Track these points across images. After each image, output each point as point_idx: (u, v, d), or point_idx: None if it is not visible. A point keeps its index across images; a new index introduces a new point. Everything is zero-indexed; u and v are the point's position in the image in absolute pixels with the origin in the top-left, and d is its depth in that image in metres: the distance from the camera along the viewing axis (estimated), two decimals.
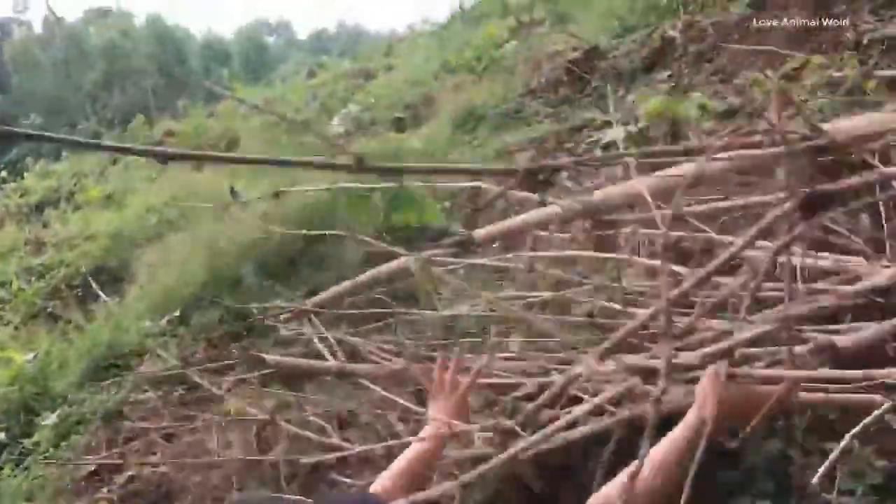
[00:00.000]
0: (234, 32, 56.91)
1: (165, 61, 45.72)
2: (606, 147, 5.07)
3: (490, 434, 2.04)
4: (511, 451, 1.35)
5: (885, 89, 4.56)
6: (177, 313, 5.82)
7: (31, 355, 5.91)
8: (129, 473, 4.28)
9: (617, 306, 2.64)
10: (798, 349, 1.62)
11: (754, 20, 6.50)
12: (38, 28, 50.70)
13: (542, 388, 2.21)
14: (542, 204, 2.98)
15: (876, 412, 1.74)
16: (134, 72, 43.64)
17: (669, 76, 6.56)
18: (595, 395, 1.82)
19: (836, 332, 1.95)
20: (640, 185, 2.53)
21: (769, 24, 6.33)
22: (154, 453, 4.44)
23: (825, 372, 1.73)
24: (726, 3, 7.13)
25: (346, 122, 9.42)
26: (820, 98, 4.69)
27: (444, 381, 1.92)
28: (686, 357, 1.65)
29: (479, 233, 3.10)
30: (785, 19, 6.16)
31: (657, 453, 1.52)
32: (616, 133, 4.91)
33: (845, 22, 5.88)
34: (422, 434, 1.84)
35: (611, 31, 7.90)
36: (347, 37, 60.68)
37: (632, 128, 4.84)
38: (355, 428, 3.47)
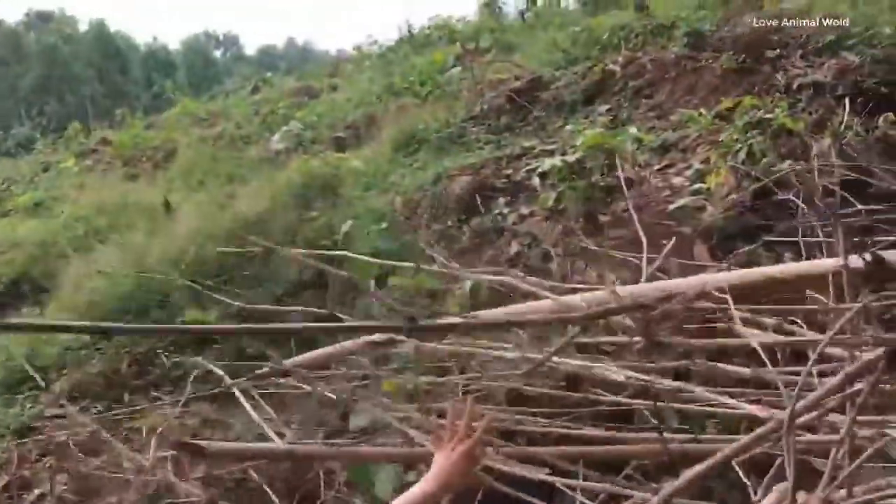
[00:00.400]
0: (180, 43, 56.15)
1: (106, 69, 44.75)
2: (544, 175, 5.13)
3: None
4: None
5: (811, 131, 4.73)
6: None
7: None
8: (40, 491, 4.11)
9: None
10: None
11: (692, 59, 6.69)
12: None
13: None
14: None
15: None
16: (73, 78, 42.62)
17: (608, 110, 6.69)
18: None
19: None
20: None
21: (705, 63, 6.52)
22: (68, 471, 4.27)
23: None
24: (665, 42, 7.32)
25: (286, 139, 9.32)
26: (748, 138, 4.84)
27: (456, 431, 1.86)
28: None
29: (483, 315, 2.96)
30: (720, 60, 6.36)
31: None
32: (553, 163, 4.98)
33: (777, 65, 6.12)
34: None
35: (554, 63, 8.02)
36: (295, 54, 60.35)
37: (568, 157, 4.91)
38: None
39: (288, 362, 3.32)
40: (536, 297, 4.09)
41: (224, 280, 5.97)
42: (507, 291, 4.47)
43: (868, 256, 1.99)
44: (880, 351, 1.61)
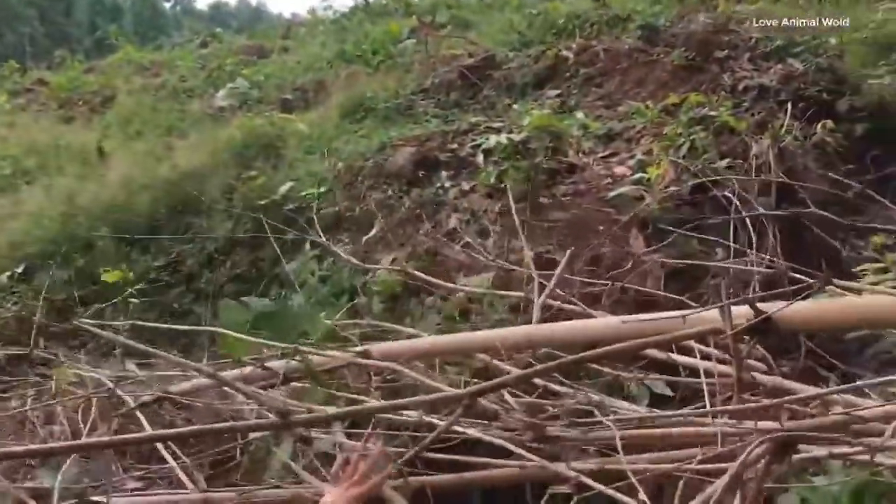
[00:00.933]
0: None
1: (49, 8, 43.11)
2: (488, 152, 5.12)
3: None
4: None
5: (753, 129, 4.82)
6: (19, 269, 5.45)
7: None
8: None
9: None
10: None
11: (644, 52, 6.74)
12: None
13: None
14: None
15: None
16: (13, 15, 40.94)
17: (558, 95, 6.70)
18: None
19: None
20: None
21: (657, 57, 6.58)
22: None
23: None
24: (620, 33, 7.36)
25: (232, 96, 9.10)
26: (692, 133, 4.90)
27: (356, 471, 1.85)
28: None
29: (378, 347, 2.94)
30: (672, 55, 6.42)
31: None
32: (498, 140, 4.96)
33: (725, 66, 6.21)
34: None
35: (508, 44, 8.00)
36: (248, 13, 59.10)
37: (514, 136, 4.90)
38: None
39: (175, 389, 3.12)
40: (472, 269, 4.13)
41: (154, 232, 5.83)
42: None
43: (753, 311, 1.92)
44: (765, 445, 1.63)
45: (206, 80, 10.86)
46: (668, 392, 2.91)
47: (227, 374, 2.89)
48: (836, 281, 2.03)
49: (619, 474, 1.81)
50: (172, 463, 2.87)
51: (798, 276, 2.74)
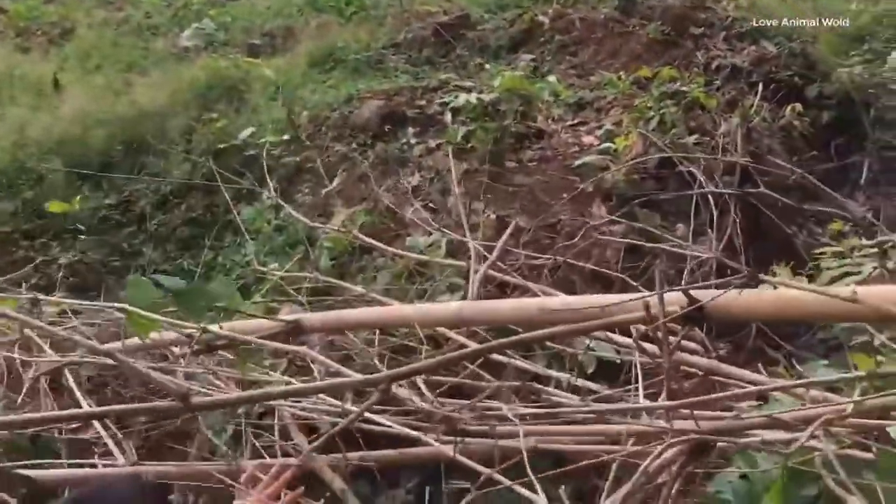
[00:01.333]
0: None
1: None
2: (456, 111, 5.04)
3: None
4: None
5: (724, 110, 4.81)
6: None
7: None
8: None
9: None
10: None
11: (620, 23, 6.67)
12: None
13: None
14: None
15: None
16: None
17: (532, 60, 6.61)
18: None
19: None
20: None
21: (633, 29, 6.52)
22: None
23: None
24: (597, 2, 7.27)
25: (197, 37, 8.81)
26: (662, 107, 4.87)
27: (266, 489, 1.79)
28: None
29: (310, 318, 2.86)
30: (647, 28, 6.36)
31: None
32: (468, 99, 4.88)
33: (700, 43, 6.18)
34: None
35: (484, 5, 7.86)
36: None
37: (484, 97, 4.82)
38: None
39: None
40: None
41: (108, 168, 5.67)
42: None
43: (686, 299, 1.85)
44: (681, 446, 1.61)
45: (171, 18, 10.49)
46: (616, 358, 2.90)
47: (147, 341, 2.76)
48: (766, 278, 2.00)
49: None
50: (103, 433, 2.82)
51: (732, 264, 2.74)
